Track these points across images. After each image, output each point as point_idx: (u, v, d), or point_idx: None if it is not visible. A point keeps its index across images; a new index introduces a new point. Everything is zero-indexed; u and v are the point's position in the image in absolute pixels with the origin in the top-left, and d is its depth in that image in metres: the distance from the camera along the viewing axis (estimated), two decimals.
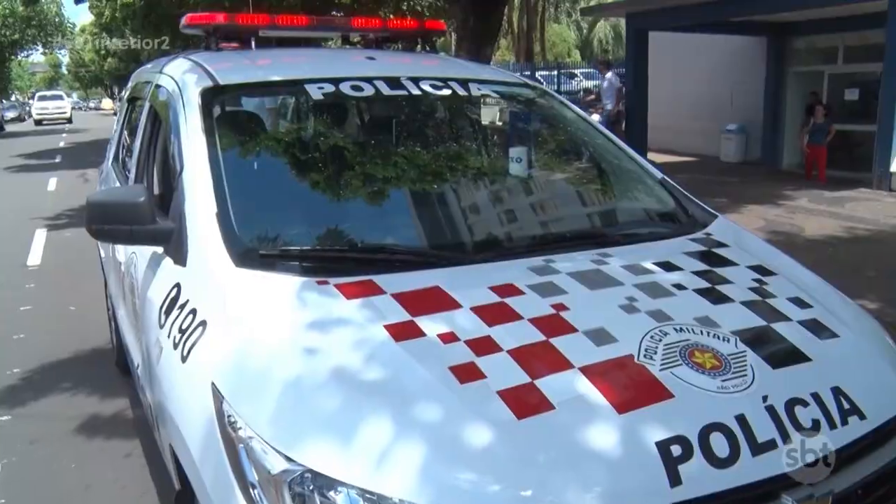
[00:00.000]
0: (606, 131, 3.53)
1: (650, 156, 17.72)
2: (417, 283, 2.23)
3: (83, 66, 74.63)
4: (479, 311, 2.09)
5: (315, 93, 3.01)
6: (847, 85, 15.39)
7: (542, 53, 39.54)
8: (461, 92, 3.24)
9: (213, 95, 2.98)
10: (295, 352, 1.94)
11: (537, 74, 27.71)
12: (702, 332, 2.08)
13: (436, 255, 2.54)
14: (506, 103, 3.67)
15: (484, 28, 11.87)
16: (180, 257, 2.52)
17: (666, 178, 3.30)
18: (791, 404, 1.87)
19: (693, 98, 18.82)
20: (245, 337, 2.06)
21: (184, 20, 3.67)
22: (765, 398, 1.86)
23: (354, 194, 2.87)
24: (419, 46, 4.20)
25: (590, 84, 28.76)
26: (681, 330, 2.08)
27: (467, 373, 1.84)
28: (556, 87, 24.52)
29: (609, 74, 16.28)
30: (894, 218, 9.91)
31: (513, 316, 2.08)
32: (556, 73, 25.52)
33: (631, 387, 1.85)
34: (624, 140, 3.61)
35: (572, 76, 32.49)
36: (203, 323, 2.17)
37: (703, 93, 18.53)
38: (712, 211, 3.15)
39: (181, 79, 3.18)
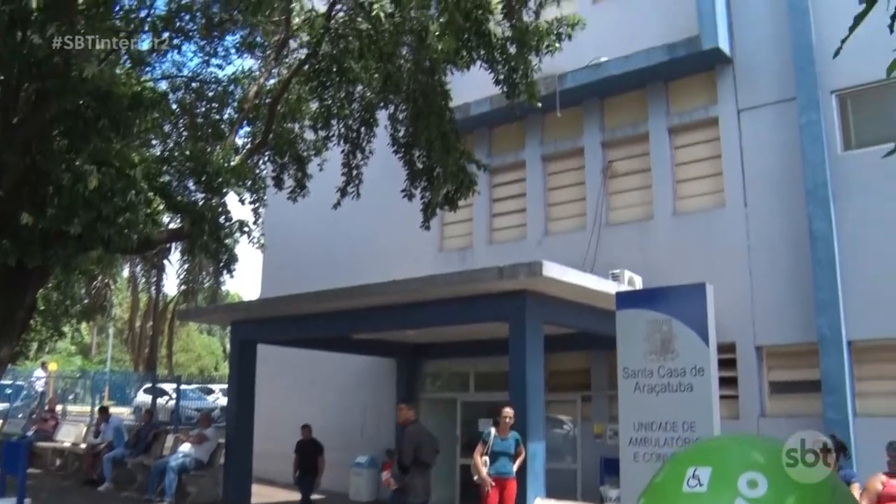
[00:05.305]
0: None
1: (264, 489, 15.35)
2: None
3: None
4: None
5: None
6: (483, 413, 14.13)
7: (169, 363, 36.06)
8: None
9: None
10: None
11: (162, 386, 24.38)
12: None
13: None
14: None
15: None
16: None
17: None
18: None
19: (322, 423, 16.57)
20: None
21: None
22: None
23: None
24: None
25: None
26: None
27: None
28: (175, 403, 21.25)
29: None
30: None
31: None
32: (179, 385, 22.13)
33: None
34: None
35: (208, 391, 29.60)
36: None
37: (332, 418, 16.40)
38: None
39: None
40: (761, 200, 12.09)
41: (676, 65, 12.84)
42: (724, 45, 12.41)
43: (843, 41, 3.24)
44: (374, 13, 7.61)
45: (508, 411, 9.69)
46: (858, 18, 3.05)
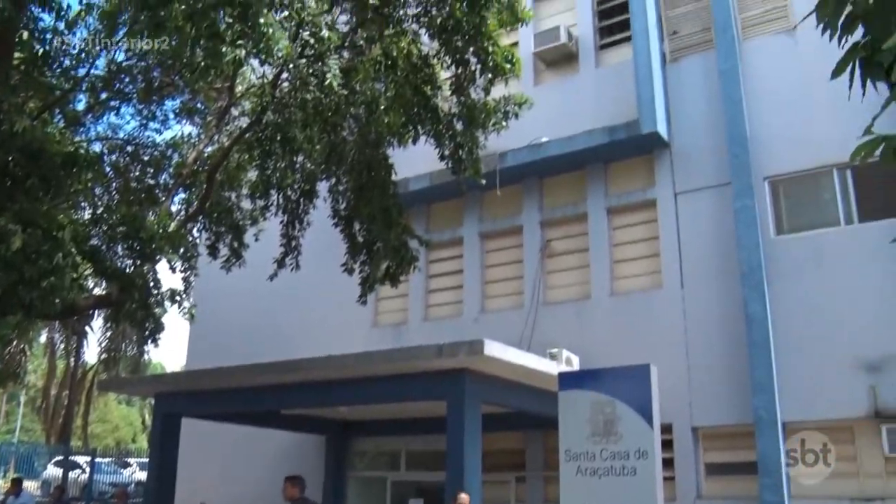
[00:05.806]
0: None
1: None
2: None
3: None
4: None
5: None
6: (413, 494, 13.74)
7: (85, 434, 34.30)
8: None
9: None
10: None
11: (74, 458, 23.13)
12: None
13: None
14: None
15: None
16: None
17: None
18: None
19: (247, 501, 15.86)
20: None
21: None
22: None
23: None
24: None
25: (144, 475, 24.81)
26: None
27: None
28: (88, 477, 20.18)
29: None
30: None
31: None
32: (93, 458, 21.03)
33: None
34: None
35: (125, 465, 28.19)
36: None
37: (258, 495, 15.64)
38: None
39: None
40: (698, 282, 12.24)
41: (616, 147, 13.09)
42: (662, 130, 12.73)
43: (875, 118, 3.24)
44: (326, 82, 7.54)
45: (464, 498, 8.99)
46: (889, 100, 3.08)
